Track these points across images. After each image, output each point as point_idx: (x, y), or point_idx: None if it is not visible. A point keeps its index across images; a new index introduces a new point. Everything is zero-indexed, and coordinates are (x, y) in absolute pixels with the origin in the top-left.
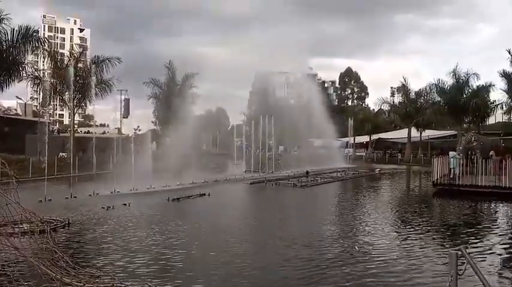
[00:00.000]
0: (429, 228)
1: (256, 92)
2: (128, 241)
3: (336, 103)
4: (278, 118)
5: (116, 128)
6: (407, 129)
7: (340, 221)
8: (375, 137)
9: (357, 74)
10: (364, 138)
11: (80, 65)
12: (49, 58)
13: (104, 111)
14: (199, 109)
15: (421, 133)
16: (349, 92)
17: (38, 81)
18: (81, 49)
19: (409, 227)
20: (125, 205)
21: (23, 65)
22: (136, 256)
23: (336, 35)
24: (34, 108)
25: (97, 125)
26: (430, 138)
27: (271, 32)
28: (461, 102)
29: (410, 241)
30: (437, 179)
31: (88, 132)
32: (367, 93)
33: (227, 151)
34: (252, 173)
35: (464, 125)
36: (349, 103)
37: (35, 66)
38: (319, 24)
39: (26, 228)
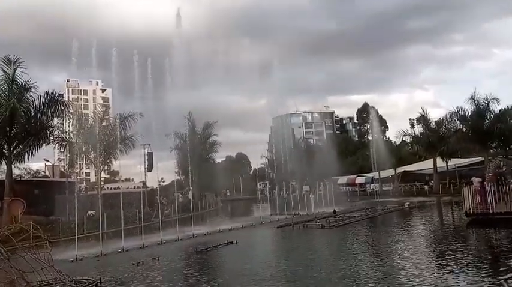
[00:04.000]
0: (470, 262)
1: (275, 134)
2: None
3: (356, 138)
4: (299, 158)
5: (141, 182)
6: (432, 159)
7: (378, 262)
8: (400, 170)
9: (374, 108)
10: (389, 172)
11: (103, 123)
12: (74, 120)
13: (128, 166)
14: (221, 156)
15: (447, 162)
16: (368, 127)
17: (64, 143)
18: (104, 108)
19: (450, 261)
20: (154, 259)
21: (50, 129)
22: None
23: (350, 72)
24: (62, 169)
25: (122, 180)
26: (457, 167)
27: (287, 75)
28: (484, 128)
29: (454, 276)
30: (469, 208)
31: (117, 188)
32: (387, 127)
33: (251, 195)
34: (278, 216)
35: (491, 150)
36: (369, 138)
37: (61, 129)
38: (333, 64)
39: None
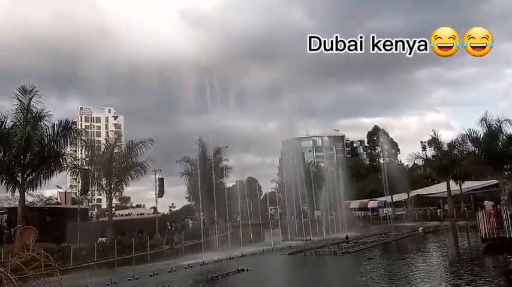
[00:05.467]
0: None
1: (285, 158)
2: None
3: (368, 162)
4: (310, 183)
5: (152, 208)
6: (445, 182)
7: None
8: (413, 193)
9: (385, 131)
10: (402, 196)
11: (115, 150)
12: (86, 148)
13: (140, 192)
14: (231, 181)
15: (460, 186)
16: (379, 150)
17: (77, 170)
18: (116, 136)
19: None
20: None
21: (63, 157)
22: None
23: (360, 94)
24: (74, 196)
25: (133, 207)
26: (471, 190)
27: (296, 99)
28: (497, 150)
29: None
30: (485, 233)
31: (128, 214)
32: (398, 150)
33: (262, 220)
34: (290, 242)
35: (505, 173)
36: (381, 161)
37: (74, 156)
38: (343, 87)
39: None
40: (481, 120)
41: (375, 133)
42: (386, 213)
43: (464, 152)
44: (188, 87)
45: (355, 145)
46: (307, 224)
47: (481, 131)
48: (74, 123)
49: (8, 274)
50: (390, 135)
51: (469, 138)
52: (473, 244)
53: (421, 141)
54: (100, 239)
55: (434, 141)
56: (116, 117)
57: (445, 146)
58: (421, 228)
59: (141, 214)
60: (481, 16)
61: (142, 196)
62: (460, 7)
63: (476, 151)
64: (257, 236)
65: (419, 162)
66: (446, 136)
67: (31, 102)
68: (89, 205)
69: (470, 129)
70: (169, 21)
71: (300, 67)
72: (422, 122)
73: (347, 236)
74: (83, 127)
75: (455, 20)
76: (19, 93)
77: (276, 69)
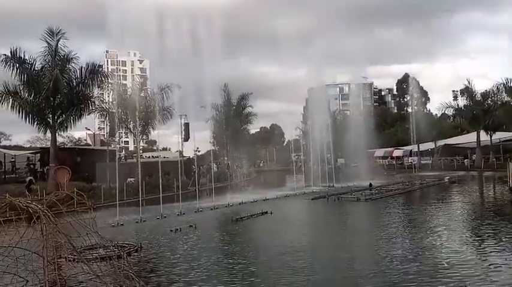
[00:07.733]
0: None
1: (310, 106)
2: (198, 266)
3: (395, 111)
4: (334, 131)
5: (177, 151)
6: (475, 133)
7: (414, 240)
8: (440, 143)
9: (415, 79)
10: (429, 146)
11: (142, 94)
12: (113, 91)
13: (165, 136)
14: (255, 127)
15: (491, 136)
16: (408, 98)
17: (105, 113)
18: (142, 79)
19: (491, 239)
20: (191, 226)
21: (91, 99)
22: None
23: (392, 40)
24: (102, 138)
25: (160, 150)
26: (502, 141)
27: (324, 44)
28: None
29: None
30: None
31: (155, 157)
32: (428, 99)
33: (285, 167)
34: (313, 188)
35: None
36: (409, 110)
37: (101, 99)
38: (374, 32)
39: (102, 253)
40: None
41: (404, 81)
42: (411, 162)
43: (498, 102)
44: (214, 32)
45: (383, 93)
46: (331, 171)
47: None
48: (101, 66)
49: (45, 211)
50: (420, 84)
51: (504, 88)
52: (500, 194)
53: (453, 90)
54: (128, 179)
55: (467, 91)
56: (141, 61)
57: (478, 95)
58: (447, 177)
59: (180, 155)
60: None
61: (168, 139)
62: None
63: (511, 101)
64: (280, 181)
65: (450, 111)
66: (481, 86)
67: (58, 45)
68: (117, 147)
69: (507, 79)
70: None
71: (329, 11)
72: (456, 70)
73: (370, 184)
74: (109, 71)
75: None
76: (47, 35)
77: (305, 13)
